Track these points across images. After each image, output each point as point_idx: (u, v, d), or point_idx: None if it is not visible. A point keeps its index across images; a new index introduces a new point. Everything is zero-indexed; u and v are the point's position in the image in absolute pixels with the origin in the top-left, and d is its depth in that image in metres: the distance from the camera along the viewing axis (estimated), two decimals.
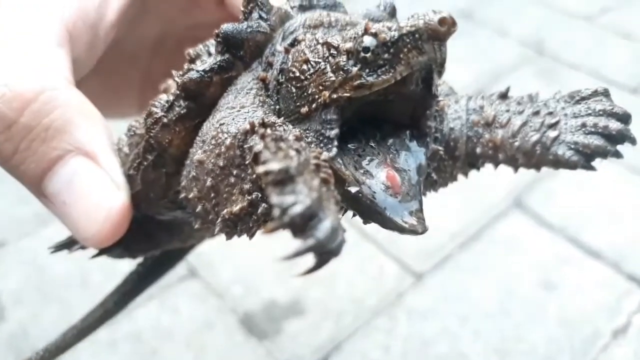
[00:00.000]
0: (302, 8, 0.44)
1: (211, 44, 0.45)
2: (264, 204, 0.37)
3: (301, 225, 0.27)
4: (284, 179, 0.28)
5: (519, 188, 1.51)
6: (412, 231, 0.37)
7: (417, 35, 0.34)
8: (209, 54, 0.44)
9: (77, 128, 0.43)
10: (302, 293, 1.33)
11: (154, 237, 0.54)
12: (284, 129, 0.37)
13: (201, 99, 0.42)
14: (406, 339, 1.20)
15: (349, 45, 0.37)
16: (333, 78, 0.37)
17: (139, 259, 0.63)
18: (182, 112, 0.42)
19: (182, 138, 0.42)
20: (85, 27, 0.50)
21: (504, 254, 1.35)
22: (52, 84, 0.44)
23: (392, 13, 0.46)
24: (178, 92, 0.42)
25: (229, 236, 0.41)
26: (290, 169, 0.28)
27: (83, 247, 0.52)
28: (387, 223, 0.37)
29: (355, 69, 0.36)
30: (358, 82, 0.37)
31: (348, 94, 0.37)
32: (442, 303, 1.26)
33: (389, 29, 0.36)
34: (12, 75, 0.42)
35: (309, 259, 0.28)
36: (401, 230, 0.37)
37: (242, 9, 0.43)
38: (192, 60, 0.45)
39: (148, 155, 0.44)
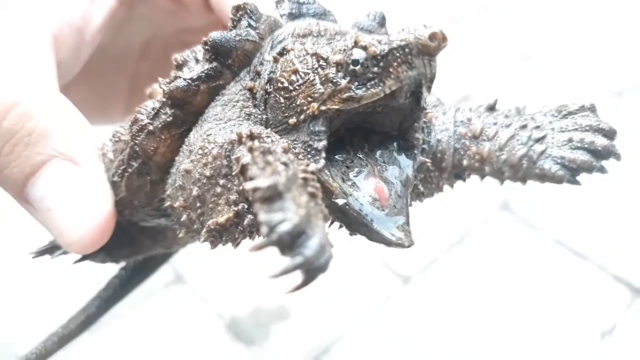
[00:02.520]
0: (292, 16, 0.43)
1: (198, 50, 0.44)
2: (250, 216, 0.37)
3: (289, 243, 0.27)
4: (272, 196, 0.28)
5: (505, 191, 1.51)
6: (399, 244, 0.37)
7: (407, 50, 0.34)
8: (197, 61, 0.44)
9: (61, 133, 0.43)
10: (289, 298, 1.33)
11: (137, 243, 0.53)
12: (272, 140, 0.36)
13: (188, 107, 0.41)
14: (394, 342, 1.20)
15: (338, 57, 0.37)
16: (322, 90, 0.37)
17: (122, 264, 0.63)
18: (168, 119, 0.41)
19: (167, 146, 0.42)
20: (71, 31, 0.50)
21: (491, 256, 1.35)
22: (36, 88, 0.44)
23: (381, 23, 0.45)
24: (164, 99, 0.41)
25: (214, 245, 0.41)
26: (279, 185, 0.28)
27: (65, 253, 0.51)
28: (374, 236, 0.37)
29: (344, 82, 0.36)
30: (347, 94, 0.36)
31: (337, 106, 0.37)
32: (429, 306, 1.26)
33: (379, 42, 0.35)
34: None
35: (297, 275, 0.28)
36: (388, 243, 0.37)
37: (231, 16, 0.42)
38: (179, 67, 0.44)
39: (132, 162, 0.43)
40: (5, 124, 0.41)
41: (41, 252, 0.53)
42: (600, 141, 0.40)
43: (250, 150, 0.32)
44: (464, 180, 0.46)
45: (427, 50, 0.34)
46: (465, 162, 0.44)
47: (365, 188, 0.38)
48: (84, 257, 0.52)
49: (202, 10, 0.60)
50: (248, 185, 0.29)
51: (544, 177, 0.42)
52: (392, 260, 1.36)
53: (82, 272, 0.60)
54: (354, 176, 0.39)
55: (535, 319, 1.20)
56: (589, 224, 1.38)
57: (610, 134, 0.41)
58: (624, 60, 2.01)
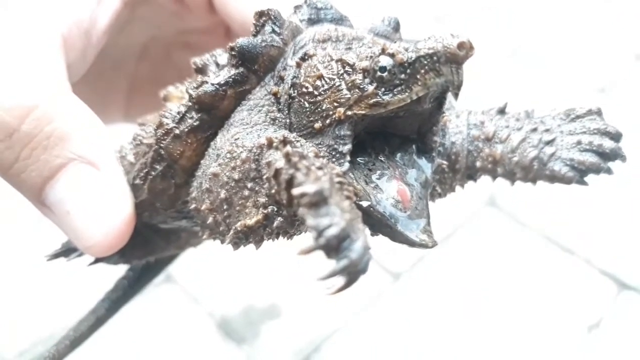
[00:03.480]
0: (311, 21, 0.44)
1: (218, 54, 0.45)
2: (280, 218, 0.38)
3: (336, 246, 0.28)
4: (319, 201, 0.29)
5: (492, 188, 1.54)
6: (423, 245, 0.38)
7: (435, 58, 0.36)
8: (217, 65, 0.44)
9: (79, 136, 0.43)
10: (280, 296, 1.34)
11: (150, 244, 0.54)
12: (301, 145, 0.37)
13: (215, 111, 0.42)
14: (386, 338, 1.21)
15: (365, 63, 0.38)
16: (348, 95, 0.38)
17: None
18: (194, 124, 0.42)
19: (193, 149, 0.43)
20: (79, 33, 0.50)
21: (479, 252, 1.38)
22: (53, 91, 0.44)
23: (396, 28, 0.47)
24: (190, 103, 0.42)
25: (237, 247, 0.42)
26: (324, 190, 0.29)
27: (81, 255, 0.51)
28: (398, 236, 0.38)
29: (371, 87, 0.38)
30: (374, 100, 0.38)
31: (363, 112, 0.38)
32: (420, 302, 1.28)
33: (406, 49, 0.37)
34: (12, 83, 0.42)
35: (339, 277, 0.29)
36: (411, 244, 0.38)
37: (254, 22, 0.43)
38: (199, 70, 0.45)
39: (157, 166, 0.44)
40: (24, 128, 0.42)
41: (56, 255, 0.53)
42: (608, 144, 0.42)
43: (287, 155, 0.33)
44: (475, 180, 0.48)
45: (455, 58, 0.35)
46: (478, 164, 0.46)
47: (388, 190, 0.39)
48: (98, 259, 0.52)
49: (205, 12, 0.60)
50: (296, 192, 0.30)
51: (553, 178, 0.44)
52: (382, 257, 1.38)
53: (81, 273, 0.60)
54: (377, 178, 0.40)
55: (524, 313, 1.23)
56: (576, 219, 1.41)
57: (616, 137, 0.43)
58: (606, 57, 2.06)
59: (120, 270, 0.63)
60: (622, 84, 1.90)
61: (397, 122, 0.41)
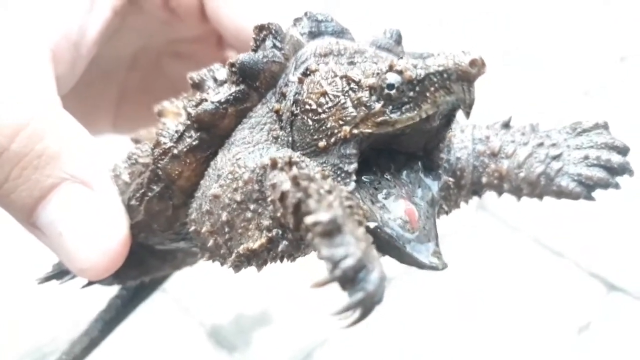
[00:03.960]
0: (312, 35, 0.43)
1: (215, 68, 0.44)
2: (284, 242, 0.36)
3: (352, 278, 0.27)
4: (332, 230, 0.28)
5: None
6: (433, 268, 0.37)
7: (445, 75, 0.34)
8: (215, 80, 0.43)
9: (71, 154, 0.42)
10: (270, 303, 1.32)
11: (145, 264, 0.52)
12: (306, 165, 0.36)
13: (215, 130, 0.41)
14: (377, 344, 1.21)
15: (371, 80, 0.37)
16: (354, 113, 0.37)
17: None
18: (193, 143, 0.40)
19: (192, 170, 0.41)
20: (68, 45, 0.48)
21: (470, 256, 1.38)
22: (42, 108, 0.42)
23: (398, 40, 0.46)
24: (189, 122, 0.40)
25: (238, 270, 0.40)
26: (338, 218, 0.28)
27: (74, 277, 0.49)
28: (406, 259, 0.37)
29: (378, 105, 0.36)
30: (381, 118, 0.36)
31: (370, 130, 0.37)
32: (412, 306, 1.28)
33: (415, 66, 0.35)
34: (1, 101, 0.40)
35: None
36: (421, 266, 0.37)
37: (254, 36, 0.41)
38: (196, 86, 0.44)
39: (153, 186, 0.42)
40: (14, 147, 0.40)
41: (48, 278, 0.51)
42: (616, 158, 0.42)
43: (294, 179, 0.32)
44: (480, 196, 0.47)
45: (467, 76, 0.34)
46: (484, 180, 0.45)
47: (395, 210, 0.38)
48: (91, 282, 0.50)
49: (196, 21, 0.58)
50: (308, 220, 0.28)
51: (561, 194, 0.43)
52: None
53: (72, 289, 0.58)
54: (383, 198, 0.39)
55: (515, 315, 1.24)
56: (565, 222, 1.42)
57: (624, 151, 0.43)
58: (593, 60, 2.08)
59: (113, 288, 0.61)
60: (610, 86, 1.92)
61: (403, 139, 0.40)
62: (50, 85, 0.45)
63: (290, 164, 0.34)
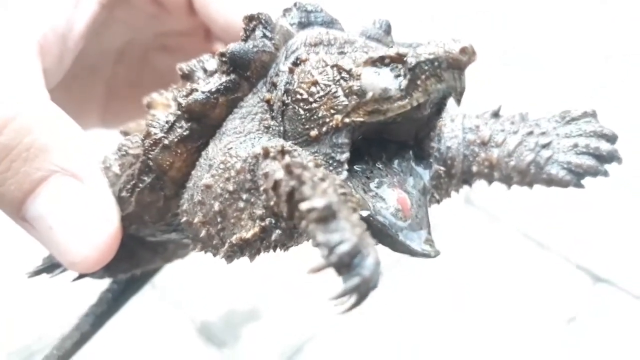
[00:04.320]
0: (301, 25, 0.43)
1: (205, 59, 0.43)
2: (278, 230, 0.36)
3: (348, 263, 0.27)
4: (327, 216, 0.28)
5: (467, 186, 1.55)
6: (426, 255, 0.37)
7: (436, 63, 0.34)
8: (204, 70, 0.43)
9: (60, 147, 0.41)
10: (260, 298, 1.32)
11: (136, 256, 0.52)
12: (299, 154, 0.36)
13: (205, 120, 0.40)
14: (367, 338, 1.21)
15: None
16: (346, 102, 0.37)
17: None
18: (184, 133, 0.40)
19: (184, 160, 0.41)
20: (56, 38, 0.48)
21: (458, 250, 1.39)
22: (31, 100, 0.42)
23: (387, 31, 0.46)
24: (179, 112, 0.40)
25: (231, 260, 0.40)
26: (333, 204, 0.28)
27: (65, 271, 0.49)
28: (399, 247, 0.38)
29: (369, 94, 0.36)
30: (373, 107, 0.36)
31: (362, 119, 0.37)
32: (400, 300, 1.28)
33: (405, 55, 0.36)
34: None
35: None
36: (414, 254, 0.37)
37: (244, 26, 0.41)
38: (186, 76, 0.43)
39: (144, 177, 0.42)
40: (2, 140, 0.39)
41: (38, 272, 0.51)
42: (605, 146, 0.42)
43: (287, 167, 0.32)
44: (470, 185, 0.48)
45: (457, 64, 0.34)
46: (474, 169, 0.45)
47: (387, 199, 0.38)
48: (82, 275, 0.50)
49: (184, 14, 0.58)
50: (303, 206, 0.28)
51: (551, 182, 0.43)
52: None
53: (61, 284, 0.58)
54: (375, 187, 0.39)
55: (503, 308, 1.25)
56: (551, 215, 1.44)
57: (612, 139, 0.43)
58: (588, 59, 2.09)
59: (104, 281, 0.61)
60: (609, 85, 1.93)
61: (394, 127, 0.40)
62: (38, 77, 0.44)
63: (282, 152, 0.34)
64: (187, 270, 1.35)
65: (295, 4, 0.44)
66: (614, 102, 1.80)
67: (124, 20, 0.59)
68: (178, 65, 0.44)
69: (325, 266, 0.27)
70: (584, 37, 2.21)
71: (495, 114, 0.47)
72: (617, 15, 2.32)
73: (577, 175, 0.42)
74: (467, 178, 0.46)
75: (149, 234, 0.46)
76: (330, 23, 0.44)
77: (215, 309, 1.30)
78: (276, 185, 0.32)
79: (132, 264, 0.52)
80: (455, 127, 0.46)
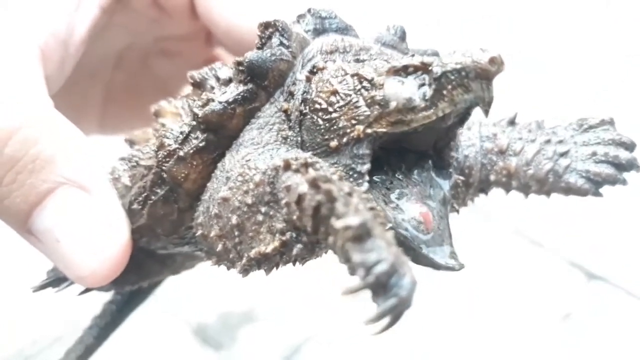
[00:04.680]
0: (316, 32, 0.42)
1: (217, 67, 0.42)
2: (299, 245, 0.35)
3: (385, 284, 0.26)
4: (362, 234, 0.27)
5: None
6: (450, 269, 0.37)
7: (463, 73, 0.34)
8: (217, 79, 0.41)
9: (67, 158, 0.40)
10: (256, 300, 1.31)
11: (144, 268, 0.51)
12: (320, 166, 0.35)
13: (222, 131, 0.39)
14: (364, 339, 1.21)
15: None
16: (368, 112, 0.36)
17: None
18: (200, 144, 0.39)
19: (199, 172, 0.40)
20: (57, 44, 0.47)
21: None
22: (35, 110, 0.41)
23: (402, 37, 0.45)
24: (195, 123, 0.39)
25: (247, 274, 0.39)
26: (367, 222, 0.27)
27: (71, 284, 0.48)
28: (422, 260, 0.37)
29: (393, 104, 0.35)
30: (396, 117, 0.36)
31: (384, 129, 0.36)
32: None
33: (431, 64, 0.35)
34: None
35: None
36: (438, 267, 0.37)
37: (259, 33, 0.40)
38: (197, 85, 0.42)
39: (157, 189, 0.41)
40: (7, 151, 0.38)
41: (43, 286, 0.49)
42: (624, 154, 0.42)
43: (314, 181, 0.31)
44: (487, 194, 0.47)
45: (486, 74, 0.34)
46: (492, 177, 0.45)
47: (409, 210, 0.37)
48: (89, 289, 0.48)
49: (186, 18, 0.57)
50: (338, 224, 0.27)
51: (569, 190, 0.43)
52: None
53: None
54: (396, 198, 0.38)
55: (498, 306, 1.25)
56: (544, 213, 1.44)
57: (631, 147, 0.43)
58: (594, 61, 2.09)
59: (105, 293, 0.59)
60: (615, 88, 1.93)
61: (413, 137, 0.39)
62: (41, 85, 0.43)
63: (306, 165, 0.33)
64: (183, 274, 1.34)
65: (309, 10, 0.43)
66: (622, 105, 1.82)
67: (124, 25, 0.58)
68: (189, 73, 0.43)
69: (362, 287, 0.26)
70: (590, 41, 2.21)
71: (512, 122, 0.46)
72: (622, 18, 2.34)
73: (595, 184, 0.42)
74: (484, 187, 0.46)
75: (160, 246, 0.45)
76: (344, 29, 0.43)
77: (211, 311, 1.29)
78: (300, 199, 0.31)
79: (140, 276, 0.51)
80: (472, 135, 0.45)
